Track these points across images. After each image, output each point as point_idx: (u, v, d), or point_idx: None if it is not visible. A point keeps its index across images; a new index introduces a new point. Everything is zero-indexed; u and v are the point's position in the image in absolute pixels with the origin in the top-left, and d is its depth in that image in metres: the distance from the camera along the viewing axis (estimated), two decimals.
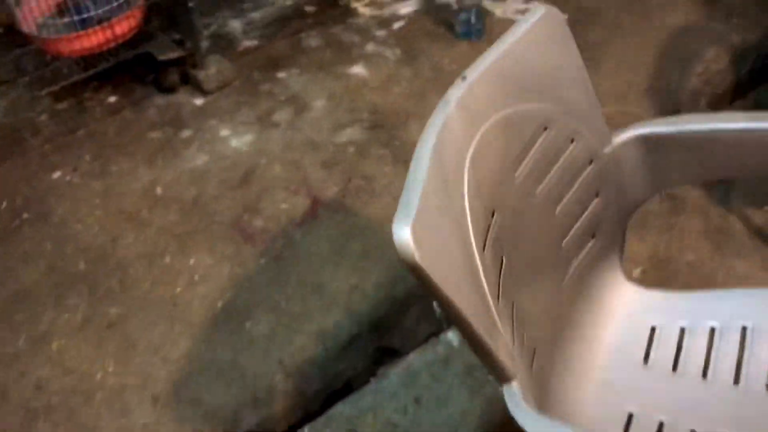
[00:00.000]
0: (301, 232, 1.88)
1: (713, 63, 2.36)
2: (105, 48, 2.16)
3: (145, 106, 2.38)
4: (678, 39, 2.46)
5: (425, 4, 2.78)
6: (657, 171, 1.20)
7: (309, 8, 2.83)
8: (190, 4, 2.24)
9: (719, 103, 2.35)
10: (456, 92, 0.96)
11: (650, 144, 1.18)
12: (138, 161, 2.16)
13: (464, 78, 0.98)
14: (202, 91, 2.39)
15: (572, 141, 1.12)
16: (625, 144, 1.18)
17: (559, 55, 1.11)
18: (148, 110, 2.36)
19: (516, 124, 1.03)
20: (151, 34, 2.31)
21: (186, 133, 2.25)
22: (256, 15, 2.81)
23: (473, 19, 2.51)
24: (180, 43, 2.32)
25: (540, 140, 1.07)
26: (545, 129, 1.07)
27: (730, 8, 2.57)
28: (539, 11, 1.07)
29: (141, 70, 2.45)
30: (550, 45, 1.09)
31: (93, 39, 2.12)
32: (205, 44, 2.52)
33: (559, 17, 1.10)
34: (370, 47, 2.58)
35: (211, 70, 2.37)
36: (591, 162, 1.15)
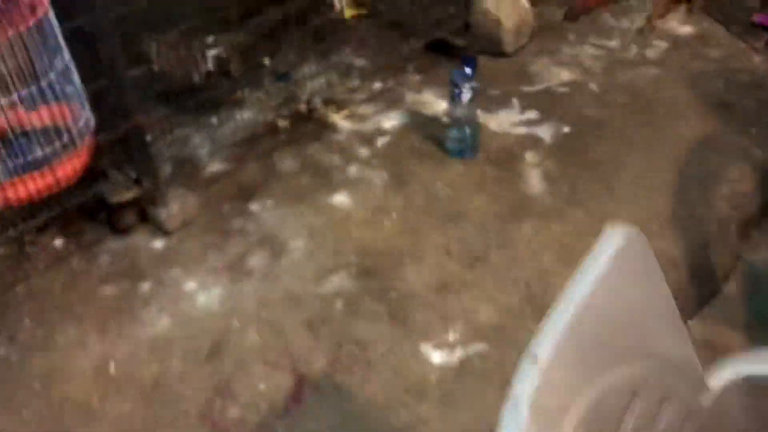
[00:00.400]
0: (284, 425, 1.56)
1: (738, 183, 2.12)
2: (46, 194, 1.84)
3: (97, 251, 2.05)
4: (696, 155, 2.22)
5: (411, 117, 2.51)
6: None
7: (281, 123, 2.55)
8: (147, 138, 1.95)
9: (748, 227, 2.10)
10: (526, 386, 0.66)
11: (758, 388, 0.89)
12: (88, 328, 1.82)
13: (534, 358, 0.68)
14: (164, 231, 2.08)
15: (664, 401, 0.82)
16: (726, 391, 0.89)
17: (646, 291, 0.82)
18: (100, 257, 2.04)
19: (601, 404, 0.73)
20: (102, 171, 2.00)
21: (145, 287, 1.93)
22: (223, 132, 2.51)
23: (467, 136, 2.25)
24: (137, 181, 2.01)
25: (628, 415, 0.77)
26: (634, 395, 0.78)
27: (746, 117, 2.35)
28: (618, 238, 0.79)
29: (92, 204, 2.13)
30: (634, 282, 0.81)
31: (30, 186, 1.80)
32: (166, 172, 2.23)
33: (642, 240, 0.82)
34: (353, 170, 2.30)
35: (174, 208, 2.06)
36: (685, 419, 0.86)
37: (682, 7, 3.00)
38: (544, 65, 2.73)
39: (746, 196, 2.09)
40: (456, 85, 2.13)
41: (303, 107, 2.60)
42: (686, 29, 2.87)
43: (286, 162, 2.37)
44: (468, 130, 2.24)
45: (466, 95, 2.14)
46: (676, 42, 2.80)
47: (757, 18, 2.67)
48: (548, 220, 2.04)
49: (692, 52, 2.73)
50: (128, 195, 2.00)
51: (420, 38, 2.62)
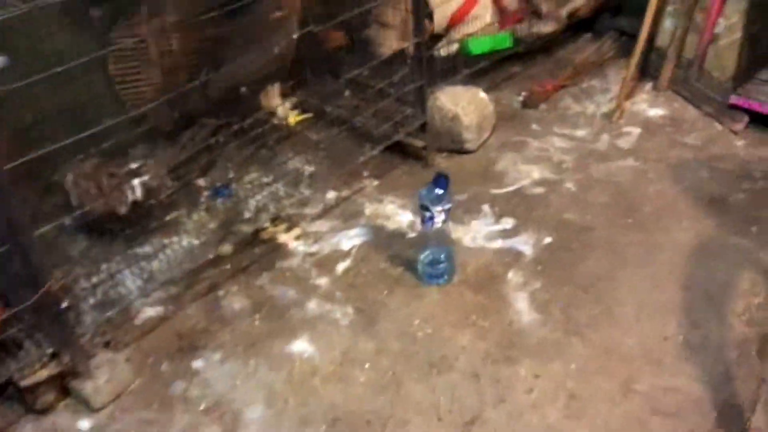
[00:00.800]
0: None
1: (752, 295, 1.89)
2: None
3: None
4: (698, 264, 1.98)
5: (372, 233, 2.22)
6: None
7: (224, 249, 2.22)
8: (64, 306, 1.60)
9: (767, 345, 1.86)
10: None
11: None
12: None
13: None
14: (91, 409, 1.72)
15: None
16: None
17: None
18: None
19: None
20: (7, 346, 1.64)
21: None
22: (155, 265, 2.17)
23: (441, 260, 1.97)
24: (53, 355, 1.66)
25: None
26: None
27: (742, 214, 2.14)
28: None
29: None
30: None
31: None
32: (90, 329, 1.86)
33: None
34: (311, 306, 1.98)
35: (101, 380, 1.71)
36: None
37: (648, 86, 2.82)
38: (512, 162, 2.49)
39: (761, 308, 1.85)
40: (426, 209, 1.85)
41: (248, 228, 2.28)
42: (656, 111, 2.68)
43: (234, 299, 2.04)
44: (442, 254, 1.96)
45: (438, 218, 1.86)
46: (648, 127, 2.60)
47: (735, 100, 2.48)
48: (546, 359, 1.75)
49: (668, 138, 2.52)
50: (44, 374, 1.64)
51: (376, 144, 2.35)
